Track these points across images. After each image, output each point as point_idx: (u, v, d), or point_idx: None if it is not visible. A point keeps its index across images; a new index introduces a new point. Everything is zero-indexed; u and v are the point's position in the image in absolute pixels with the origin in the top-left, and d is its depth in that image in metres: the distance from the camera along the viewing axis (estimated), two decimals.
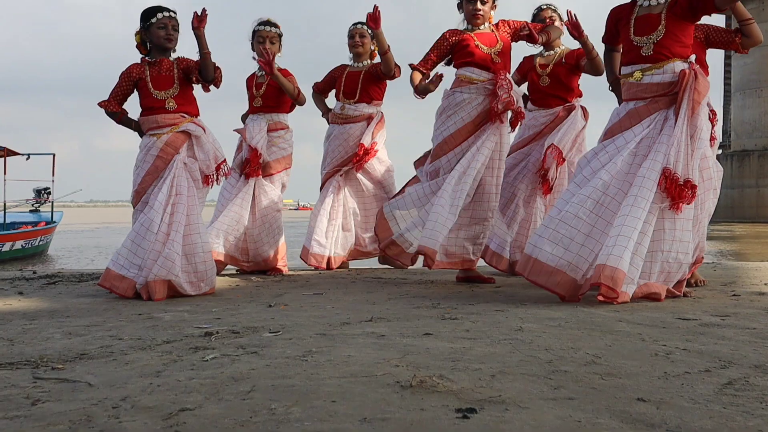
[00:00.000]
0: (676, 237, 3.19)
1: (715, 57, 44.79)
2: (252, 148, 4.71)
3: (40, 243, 15.88)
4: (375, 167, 5.27)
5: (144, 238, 3.56)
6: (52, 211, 17.36)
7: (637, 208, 3.06)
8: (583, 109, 4.70)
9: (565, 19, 4.24)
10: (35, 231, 15.46)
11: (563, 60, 4.70)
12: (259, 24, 4.87)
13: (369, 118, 5.26)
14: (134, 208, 3.83)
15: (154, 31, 3.79)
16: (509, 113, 4.10)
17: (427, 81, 4.11)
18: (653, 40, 3.31)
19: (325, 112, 5.46)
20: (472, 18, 4.18)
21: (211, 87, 3.92)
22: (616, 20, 3.54)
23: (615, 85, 3.73)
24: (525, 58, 4.94)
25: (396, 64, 4.83)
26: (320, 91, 5.52)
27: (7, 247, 14.22)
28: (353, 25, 5.32)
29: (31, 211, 17.92)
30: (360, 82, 5.23)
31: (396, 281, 4.22)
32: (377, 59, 5.25)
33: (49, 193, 18.07)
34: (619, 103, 3.58)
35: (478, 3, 4.14)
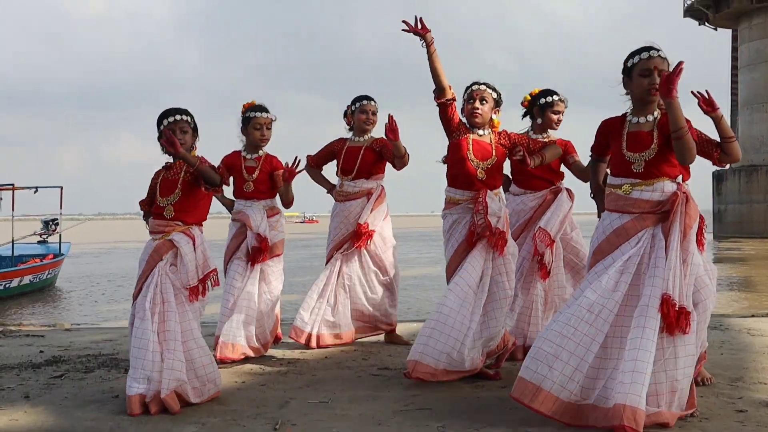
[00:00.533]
0: (679, 354, 3.16)
1: (721, 70, 44.66)
2: (261, 237, 4.71)
3: (48, 276, 15.90)
4: (377, 244, 5.27)
5: (145, 350, 3.53)
6: (60, 243, 17.38)
7: (647, 340, 3.03)
8: (569, 191, 4.75)
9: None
10: (43, 266, 15.49)
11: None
12: (253, 111, 4.85)
13: (369, 194, 5.25)
14: (133, 301, 3.80)
15: (166, 137, 3.76)
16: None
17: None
18: (645, 157, 3.30)
19: (329, 189, 5.45)
20: (471, 117, 4.17)
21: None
22: (607, 133, 3.53)
23: (597, 193, 3.73)
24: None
25: (406, 152, 4.86)
26: (314, 165, 5.47)
27: (15, 282, 14.27)
28: (366, 100, 5.24)
29: (39, 242, 17.96)
30: (360, 158, 5.23)
31: (400, 376, 4.15)
32: (377, 134, 5.29)
33: (57, 224, 18.10)
34: (599, 211, 3.61)
35: (477, 102, 4.14)
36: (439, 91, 4.14)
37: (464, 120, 4.24)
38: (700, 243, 3.53)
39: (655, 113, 3.38)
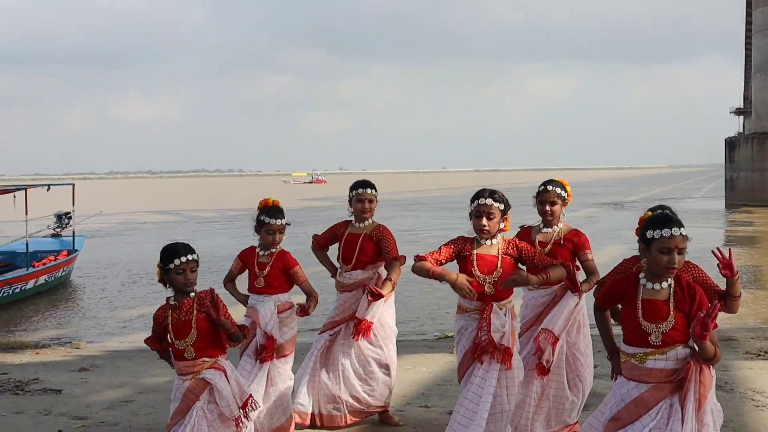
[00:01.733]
0: None
1: (734, 37, 44.05)
2: (267, 336, 4.77)
3: (63, 274, 16.14)
4: (377, 332, 5.31)
5: None
6: (73, 237, 17.57)
7: None
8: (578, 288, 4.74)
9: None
10: (57, 264, 15.70)
11: (561, 241, 4.82)
12: (268, 216, 4.91)
13: (363, 286, 5.24)
14: None
15: (173, 276, 3.83)
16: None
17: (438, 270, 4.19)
18: (662, 329, 3.28)
19: (333, 273, 5.51)
20: (479, 233, 4.21)
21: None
22: (620, 295, 3.48)
23: (614, 355, 3.66)
24: (522, 229, 5.02)
25: (398, 258, 5.17)
26: (319, 246, 5.54)
27: (30, 284, 14.50)
28: (362, 188, 5.31)
29: (52, 236, 18.14)
30: (358, 247, 5.27)
31: None
32: (377, 219, 5.41)
33: (70, 217, 18.27)
34: (615, 373, 3.61)
35: (484, 219, 4.17)
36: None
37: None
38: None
39: (669, 280, 3.34)
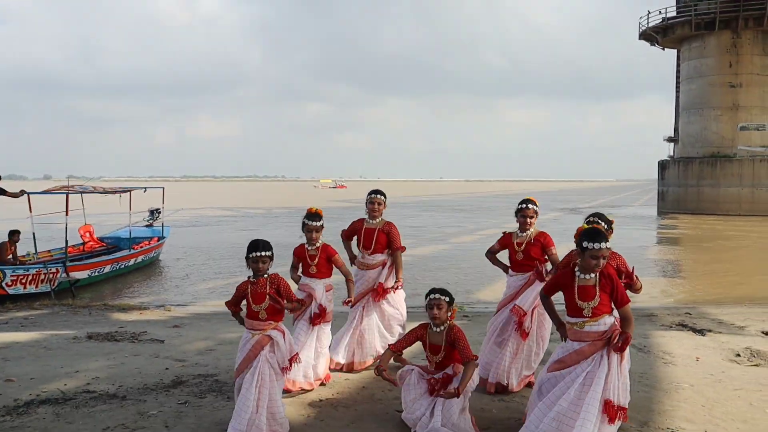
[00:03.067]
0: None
1: (668, 82, 44.03)
2: (322, 307, 5.11)
3: (154, 255, 16.61)
4: (393, 298, 5.71)
5: (246, 410, 4.00)
6: (162, 227, 18.05)
7: (586, 424, 3.49)
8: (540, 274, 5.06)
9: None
10: (151, 247, 16.17)
11: (532, 240, 5.13)
12: (308, 218, 5.16)
13: (383, 264, 5.64)
14: (235, 378, 4.19)
15: (251, 264, 4.16)
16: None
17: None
18: (592, 305, 3.66)
19: (352, 259, 5.82)
20: (432, 320, 4.24)
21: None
22: (562, 285, 3.81)
23: (561, 327, 3.94)
24: (505, 234, 5.30)
25: (400, 249, 5.60)
26: (346, 238, 5.87)
27: (132, 262, 14.98)
28: (374, 194, 5.63)
29: (146, 226, 18.63)
30: (375, 238, 5.62)
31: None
32: (387, 216, 5.74)
33: (160, 212, 18.76)
34: (563, 337, 3.88)
35: (435, 309, 4.19)
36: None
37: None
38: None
39: (596, 274, 3.69)
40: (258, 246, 4.19)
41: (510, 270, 5.25)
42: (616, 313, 3.77)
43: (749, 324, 8.21)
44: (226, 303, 4.36)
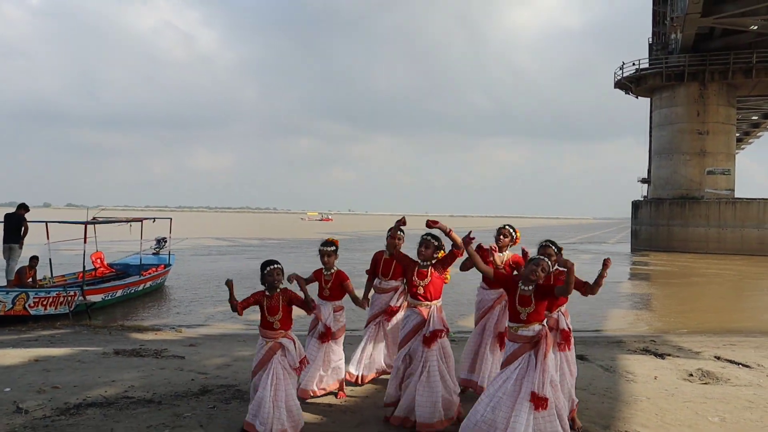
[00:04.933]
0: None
1: (642, 126, 45.39)
2: (327, 327, 5.64)
3: (161, 281, 17.07)
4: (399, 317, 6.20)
5: (262, 408, 4.52)
6: (169, 255, 18.52)
7: (521, 415, 4.04)
8: None
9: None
10: (158, 274, 16.64)
11: (511, 262, 5.70)
12: (322, 245, 5.64)
13: (396, 289, 6.13)
14: (252, 378, 4.71)
15: (267, 278, 4.67)
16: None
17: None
18: (527, 311, 4.23)
19: (366, 292, 6.14)
20: (419, 255, 5.02)
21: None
22: (507, 284, 4.39)
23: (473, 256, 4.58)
24: (484, 250, 5.71)
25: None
26: (370, 275, 6.23)
27: (141, 287, 15.44)
28: (393, 230, 5.90)
29: (153, 254, 19.10)
30: (393, 267, 6.11)
31: None
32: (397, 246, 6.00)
33: (166, 241, 19.27)
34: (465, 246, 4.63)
35: (423, 247, 4.93)
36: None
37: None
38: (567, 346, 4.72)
39: (532, 285, 4.27)
40: (271, 261, 4.75)
41: (483, 283, 5.79)
42: (546, 321, 4.37)
43: (704, 350, 8.90)
44: (236, 301, 4.62)
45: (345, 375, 5.90)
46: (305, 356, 4.85)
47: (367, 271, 6.38)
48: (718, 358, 8.20)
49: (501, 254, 5.75)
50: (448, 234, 4.83)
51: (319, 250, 5.69)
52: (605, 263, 4.41)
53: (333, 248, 5.70)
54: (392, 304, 6.12)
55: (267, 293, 4.72)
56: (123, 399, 5.59)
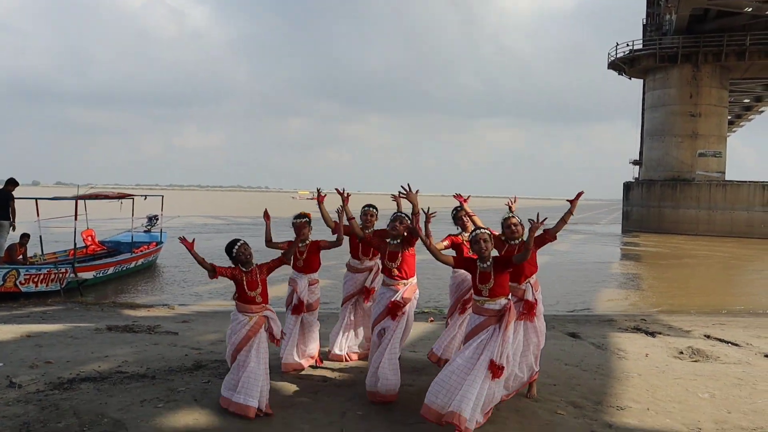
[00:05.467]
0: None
1: (634, 108, 45.44)
2: (300, 300, 5.64)
3: (153, 259, 17.02)
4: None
5: (256, 380, 4.57)
6: (160, 233, 18.45)
7: (476, 381, 4.18)
8: None
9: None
10: (150, 252, 16.58)
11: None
12: (295, 218, 5.62)
13: (370, 269, 6.02)
14: (231, 362, 4.70)
15: (239, 257, 4.67)
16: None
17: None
18: (488, 287, 4.37)
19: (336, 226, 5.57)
20: (480, 254, 4.57)
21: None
22: (468, 266, 4.54)
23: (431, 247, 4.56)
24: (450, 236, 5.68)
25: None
26: (347, 233, 5.69)
27: (133, 264, 15.39)
28: (368, 207, 5.84)
29: (145, 231, 19.01)
30: (369, 246, 5.84)
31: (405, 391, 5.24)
32: (376, 227, 5.88)
33: (158, 219, 19.17)
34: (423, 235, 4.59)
35: (482, 243, 4.49)
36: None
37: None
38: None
39: (490, 260, 4.39)
40: (235, 241, 4.74)
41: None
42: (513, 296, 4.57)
43: (694, 329, 8.99)
44: (215, 266, 4.62)
45: (319, 346, 5.92)
46: (282, 330, 4.91)
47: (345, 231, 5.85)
48: (708, 336, 8.29)
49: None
50: (414, 214, 4.87)
51: (293, 223, 5.63)
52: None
53: (305, 219, 5.65)
54: (367, 284, 6.03)
55: (243, 269, 4.72)
56: (116, 374, 5.58)
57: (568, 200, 4.92)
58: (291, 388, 5.23)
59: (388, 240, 5.09)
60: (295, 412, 4.65)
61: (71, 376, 5.49)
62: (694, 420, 4.73)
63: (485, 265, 4.42)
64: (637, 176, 44.16)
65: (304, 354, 5.80)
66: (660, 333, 8.50)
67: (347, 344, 6.17)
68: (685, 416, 4.81)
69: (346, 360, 6.13)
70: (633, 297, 14.18)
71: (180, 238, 4.85)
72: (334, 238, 5.52)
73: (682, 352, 7.07)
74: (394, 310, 4.96)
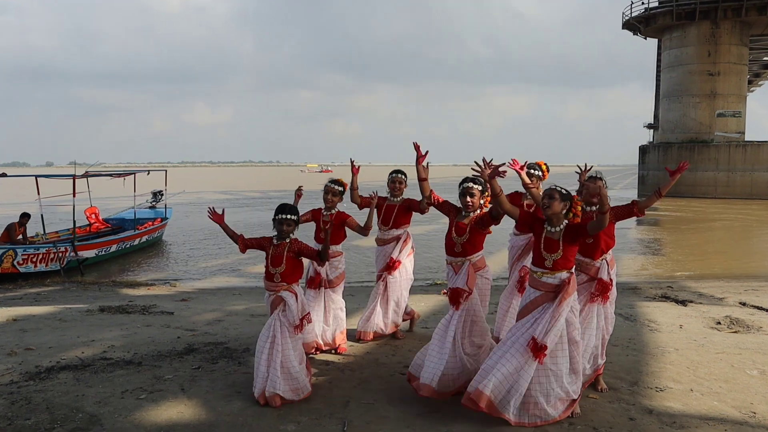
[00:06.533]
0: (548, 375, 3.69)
1: (648, 71, 44.09)
2: (317, 272, 5.17)
3: (158, 235, 16.59)
4: (403, 271, 5.67)
5: (257, 368, 4.12)
6: (165, 209, 18.00)
7: (510, 356, 3.64)
8: None
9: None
10: (154, 228, 16.14)
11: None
12: (329, 182, 5.24)
13: (398, 239, 5.59)
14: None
15: (276, 225, 4.18)
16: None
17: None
18: (554, 258, 3.68)
19: (369, 218, 5.21)
20: (465, 207, 4.33)
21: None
22: (534, 226, 3.84)
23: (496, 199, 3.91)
24: (516, 193, 5.20)
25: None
26: (365, 206, 5.51)
27: (137, 241, 14.96)
28: (396, 173, 5.51)
29: (149, 207, 18.57)
30: (394, 213, 5.53)
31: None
32: (406, 195, 5.58)
33: (162, 194, 18.69)
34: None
35: (468, 197, 4.27)
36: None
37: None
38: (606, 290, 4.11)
39: (563, 224, 3.71)
40: (285, 209, 4.23)
41: (515, 229, 5.20)
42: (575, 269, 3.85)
43: (727, 296, 8.36)
44: (243, 237, 4.29)
45: (345, 327, 5.44)
46: (309, 313, 4.36)
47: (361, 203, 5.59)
48: (744, 304, 7.67)
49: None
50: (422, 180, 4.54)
51: (325, 187, 5.21)
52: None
53: (341, 188, 5.26)
54: (393, 256, 5.57)
55: (274, 241, 4.27)
56: (100, 360, 5.08)
57: (667, 169, 4.12)
58: None
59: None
60: (301, 409, 4.08)
61: (50, 364, 4.99)
62: (746, 402, 4.14)
63: (554, 230, 3.72)
64: (651, 140, 43.04)
65: (326, 335, 5.27)
66: (691, 301, 7.88)
67: (376, 322, 5.65)
68: (734, 397, 4.22)
69: (366, 338, 5.61)
70: (656, 262, 13.57)
71: (209, 209, 4.38)
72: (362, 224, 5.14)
73: (719, 323, 6.45)
74: (455, 298, 4.25)
